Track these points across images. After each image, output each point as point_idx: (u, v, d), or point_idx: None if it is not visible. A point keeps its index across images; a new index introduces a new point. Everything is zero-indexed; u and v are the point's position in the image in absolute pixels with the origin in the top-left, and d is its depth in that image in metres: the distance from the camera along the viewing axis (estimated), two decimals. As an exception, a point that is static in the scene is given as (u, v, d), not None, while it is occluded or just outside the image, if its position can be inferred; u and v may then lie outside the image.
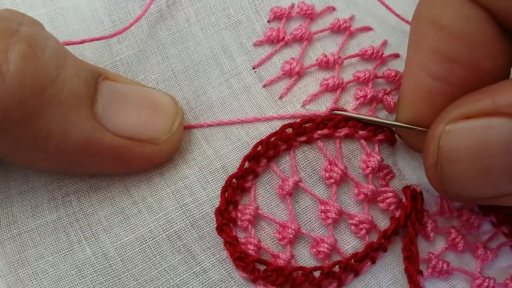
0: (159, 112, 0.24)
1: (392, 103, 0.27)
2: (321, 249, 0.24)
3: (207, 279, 0.24)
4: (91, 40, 0.26)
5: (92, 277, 0.23)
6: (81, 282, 0.23)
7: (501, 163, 0.21)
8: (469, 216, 0.26)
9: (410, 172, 0.27)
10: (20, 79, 0.20)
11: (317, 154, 0.26)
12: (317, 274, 0.24)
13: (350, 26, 0.29)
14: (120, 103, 0.23)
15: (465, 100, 0.22)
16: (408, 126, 0.25)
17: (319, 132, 0.26)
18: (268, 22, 0.29)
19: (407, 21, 0.30)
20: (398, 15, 0.30)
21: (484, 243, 0.26)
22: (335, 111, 0.26)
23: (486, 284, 0.25)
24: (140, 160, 0.24)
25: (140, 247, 0.24)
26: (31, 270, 0.23)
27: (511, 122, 0.20)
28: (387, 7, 0.30)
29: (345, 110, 0.26)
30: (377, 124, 0.26)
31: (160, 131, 0.24)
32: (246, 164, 0.25)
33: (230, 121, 0.26)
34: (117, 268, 0.24)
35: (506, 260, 0.26)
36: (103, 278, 0.24)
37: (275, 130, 0.26)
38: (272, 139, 0.25)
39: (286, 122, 0.26)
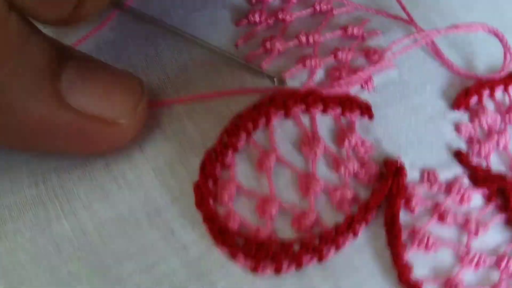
0: (125, 92, 0.24)
1: (369, 82, 0.27)
2: (303, 222, 0.24)
3: (187, 255, 0.24)
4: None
5: (70, 252, 0.23)
6: (59, 257, 0.23)
7: None
8: (458, 188, 0.25)
9: (391, 146, 0.26)
10: None
11: (296, 128, 0.26)
12: (297, 247, 0.23)
13: (331, 7, 0.30)
14: (85, 80, 0.23)
15: None
16: None
17: (297, 106, 0.26)
18: (251, 5, 0.30)
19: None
20: None
21: (474, 217, 0.25)
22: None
23: (475, 259, 0.24)
24: (102, 141, 0.24)
25: (119, 224, 0.24)
26: (9, 245, 0.23)
27: None
28: None
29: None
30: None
31: (125, 112, 0.24)
32: (225, 138, 0.25)
33: (208, 93, 0.26)
34: (95, 244, 0.24)
35: (497, 236, 0.26)
36: (81, 253, 0.23)
37: (254, 103, 0.26)
38: (251, 112, 0.25)
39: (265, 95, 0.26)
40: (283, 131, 0.26)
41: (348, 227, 0.24)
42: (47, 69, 0.21)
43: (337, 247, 0.24)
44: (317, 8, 0.29)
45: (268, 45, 0.28)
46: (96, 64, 0.24)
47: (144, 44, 0.28)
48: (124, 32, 0.29)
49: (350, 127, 0.26)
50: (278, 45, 0.28)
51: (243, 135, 0.25)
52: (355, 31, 0.28)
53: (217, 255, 0.24)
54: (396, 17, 0.30)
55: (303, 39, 0.28)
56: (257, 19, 0.29)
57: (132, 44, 0.28)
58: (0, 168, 0.25)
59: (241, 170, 0.25)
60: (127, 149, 0.25)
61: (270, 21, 0.29)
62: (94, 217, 0.24)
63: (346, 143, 0.25)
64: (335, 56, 0.28)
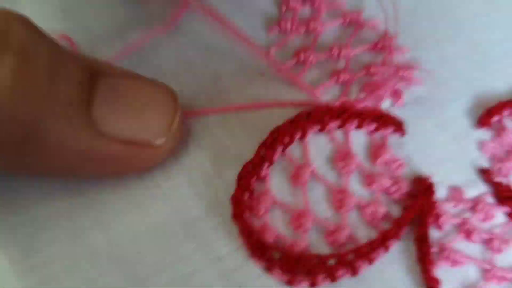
0: (158, 111, 0.23)
1: (400, 98, 0.28)
2: (337, 237, 0.24)
3: (222, 267, 0.24)
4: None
5: (105, 264, 0.23)
6: (94, 269, 0.23)
7: None
8: (483, 206, 0.26)
9: (421, 163, 0.27)
10: (15, 95, 0.18)
11: (330, 144, 0.26)
12: (332, 262, 0.24)
13: (360, 20, 0.30)
14: (117, 103, 0.22)
15: None
16: None
17: (332, 121, 0.26)
18: (282, 13, 0.29)
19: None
20: None
21: (498, 234, 0.26)
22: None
23: (499, 274, 0.25)
24: (138, 163, 0.23)
25: (154, 235, 0.24)
26: (44, 256, 0.23)
27: None
28: None
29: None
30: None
31: (159, 133, 0.23)
32: (262, 152, 0.25)
33: (243, 105, 0.26)
34: (130, 255, 0.23)
35: None
36: (116, 265, 0.23)
37: (290, 117, 0.26)
38: (288, 126, 0.25)
39: (300, 109, 0.26)
40: (317, 146, 0.26)
41: (381, 243, 0.24)
42: (78, 100, 0.21)
43: (370, 262, 0.24)
44: (347, 19, 0.29)
45: (301, 56, 0.28)
46: (127, 82, 0.23)
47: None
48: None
49: (383, 144, 0.26)
50: (312, 58, 0.27)
51: (280, 148, 0.25)
52: (384, 46, 0.29)
53: (252, 268, 0.24)
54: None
55: (336, 52, 0.28)
56: (288, 27, 0.29)
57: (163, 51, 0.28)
58: (34, 179, 0.24)
59: (275, 183, 0.25)
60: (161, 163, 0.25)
61: (301, 30, 0.29)
62: (129, 228, 0.24)
63: (379, 159, 0.26)
64: (367, 72, 0.28)
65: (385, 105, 0.28)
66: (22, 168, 0.22)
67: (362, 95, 0.27)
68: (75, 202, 0.24)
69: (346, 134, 0.26)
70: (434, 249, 0.25)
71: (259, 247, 0.23)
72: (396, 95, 0.28)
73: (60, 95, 0.20)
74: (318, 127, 0.26)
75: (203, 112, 0.26)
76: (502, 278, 0.25)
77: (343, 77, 0.27)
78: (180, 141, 0.25)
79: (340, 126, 0.26)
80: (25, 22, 0.19)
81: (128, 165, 0.23)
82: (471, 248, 0.26)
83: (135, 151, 0.22)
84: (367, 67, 0.28)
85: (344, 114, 0.26)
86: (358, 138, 0.27)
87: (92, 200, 0.24)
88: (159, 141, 0.23)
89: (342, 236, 0.24)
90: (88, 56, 0.23)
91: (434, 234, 0.26)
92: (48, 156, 0.21)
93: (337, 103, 0.26)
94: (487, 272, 0.25)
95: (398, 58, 0.29)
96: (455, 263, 0.25)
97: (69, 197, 0.24)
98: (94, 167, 0.23)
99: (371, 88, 0.27)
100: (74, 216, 0.24)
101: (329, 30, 0.29)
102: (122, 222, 0.24)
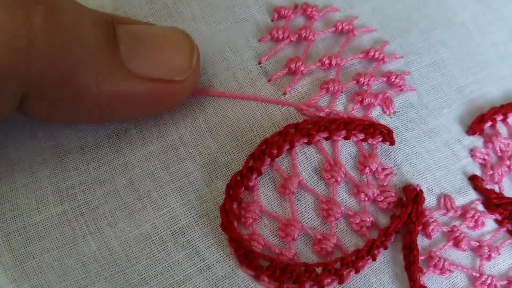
0: (178, 49, 0.25)
1: (390, 107, 0.28)
2: (323, 246, 0.25)
3: (211, 275, 0.24)
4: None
5: (97, 271, 0.24)
6: (86, 276, 0.24)
7: None
8: (473, 214, 0.26)
9: (410, 171, 0.27)
10: (48, 42, 0.20)
11: (318, 154, 0.26)
12: (319, 270, 0.24)
13: (352, 28, 0.30)
14: (139, 45, 0.24)
15: None
16: None
17: (320, 134, 0.26)
18: (272, 21, 0.30)
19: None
20: None
21: (487, 242, 0.26)
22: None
23: (488, 282, 0.25)
24: (167, 99, 0.25)
25: (145, 243, 0.24)
26: (36, 264, 0.23)
27: None
28: None
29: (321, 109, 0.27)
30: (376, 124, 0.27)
31: (183, 69, 0.25)
32: (251, 163, 0.25)
33: (235, 94, 0.27)
34: (121, 263, 0.24)
35: (509, 258, 0.27)
36: (107, 273, 0.24)
37: (279, 128, 0.26)
38: (276, 138, 0.26)
39: (290, 121, 0.26)
40: (305, 157, 0.26)
41: (367, 252, 0.25)
42: (105, 43, 0.22)
43: (357, 271, 0.25)
44: (339, 27, 0.29)
45: (292, 66, 0.28)
46: (143, 27, 0.25)
47: None
48: None
49: (371, 153, 0.27)
50: (302, 68, 0.28)
51: (267, 160, 0.25)
52: (376, 54, 0.29)
53: (241, 276, 0.24)
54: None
55: (326, 62, 0.28)
56: (280, 36, 0.29)
57: None
58: (25, 185, 0.25)
59: (264, 193, 0.26)
60: (151, 168, 0.25)
61: (293, 39, 0.29)
62: (120, 235, 0.24)
63: (367, 169, 0.26)
64: (357, 81, 0.28)
65: (375, 113, 0.28)
66: (64, 116, 0.24)
67: (351, 106, 0.27)
68: (67, 210, 0.24)
69: (334, 145, 0.27)
70: (422, 257, 0.25)
71: (247, 256, 0.24)
72: (386, 103, 0.28)
73: (89, 40, 0.22)
74: (306, 139, 0.26)
75: (199, 92, 0.27)
76: (491, 286, 0.25)
77: (333, 87, 0.27)
78: (171, 150, 0.26)
79: (328, 138, 0.26)
80: None
81: (158, 102, 0.25)
82: (460, 256, 0.26)
83: (163, 87, 0.24)
84: (357, 77, 0.28)
85: (331, 126, 0.26)
86: (346, 148, 0.27)
87: (84, 208, 0.25)
88: (183, 77, 0.24)
89: (329, 245, 0.25)
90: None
91: (422, 242, 0.26)
92: (87, 101, 0.22)
93: (325, 115, 0.27)
94: (476, 280, 0.26)
95: (391, 65, 0.29)
96: (443, 271, 0.25)
97: (61, 203, 0.24)
98: (129, 107, 0.24)
99: (360, 98, 0.27)
100: (66, 223, 0.24)
101: (321, 38, 0.29)
102: (113, 229, 0.24)
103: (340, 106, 0.27)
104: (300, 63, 0.28)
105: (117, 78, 0.23)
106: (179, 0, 0.29)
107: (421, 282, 0.25)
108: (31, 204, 0.24)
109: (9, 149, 0.25)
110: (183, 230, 0.25)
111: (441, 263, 0.25)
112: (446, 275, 0.25)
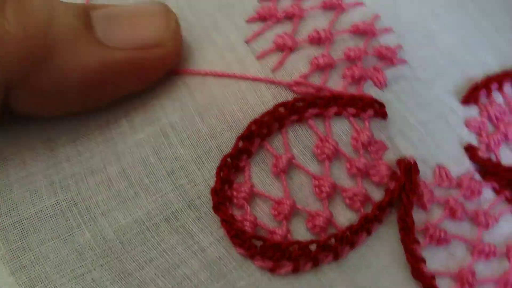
0: (152, 17, 0.26)
1: (382, 80, 0.27)
2: (317, 222, 0.24)
3: (205, 257, 0.24)
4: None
5: (93, 260, 0.24)
6: (82, 265, 0.24)
7: None
8: (469, 183, 0.26)
9: (404, 144, 0.27)
10: (21, 29, 0.22)
11: (308, 132, 0.26)
12: (313, 247, 0.24)
13: (341, 2, 0.29)
14: (115, 23, 0.25)
15: None
16: None
17: (309, 110, 0.26)
18: (259, 2, 0.29)
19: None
20: None
21: (484, 210, 0.26)
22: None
23: (486, 250, 0.25)
24: (155, 66, 0.26)
25: (139, 229, 0.24)
26: (33, 256, 0.24)
27: None
28: None
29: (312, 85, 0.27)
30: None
31: (160, 33, 0.25)
32: (240, 144, 0.25)
33: (219, 72, 0.27)
34: (116, 250, 0.24)
35: (507, 227, 0.26)
36: (103, 260, 0.24)
37: (269, 106, 0.26)
38: (265, 118, 0.25)
39: (280, 99, 0.26)
40: (296, 135, 0.26)
41: (362, 227, 0.24)
42: (79, 24, 0.24)
43: (352, 246, 0.24)
44: (328, 2, 0.29)
45: (280, 42, 0.27)
46: (118, 7, 0.26)
47: None
48: None
49: (364, 128, 0.26)
50: (290, 43, 0.27)
51: (257, 140, 0.25)
52: (367, 28, 0.28)
53: (235, 256, 0.24)
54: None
55: (315, 36, 0.28)
56: (267, 14, 0.28)
57: None
58: (18, 179, 0.25)
59: (255, 173, 0.25)
60: (142, 155, 0.25)
61: (281, 16, 0.28)
62: (114, 223, 0.25)
63: (359, 144, 0.26)
64: (348, 56, 0.27)
65: (366, 87, 0.27)
66: (53, 105, 0.25)
67: (342, 81, 0.27)
68: (60, 201, 0.25)
69: (325, 121, 0.26)
70: (418, 229, 0.25)
71: (240, 237, 0.24)
72: (378, 76, 0.27)
73: (63, 23, 0.23)
74: (296, 117, 0.26)
75: (185, 71, 0.27)
76: (489, 254, 0.25)
77: (323, 62, 0.27)
78: (160, 136, 0.26)
79: (318, 114, 0.26)
80: None
81: (146, 72, 0.25)
82: (457, 225, 0.26)
83: (146, 54, 0.25)
84: (347, 52, 0.27)
85: (321, 102, 0.26)
86: (338, 124, 0.26)
87: (77, 198, 0.25)
88: (163, 41, 0.25)
89: (322, 221, 0.25)
90: None
91: (418, 214, 0.25)
92: (72, 80, 0.23)
93: (315, 92, 0.26)
94: (474, 249, 0.25)
95: (382, 38, 0.29)
96: (440, 241, 0.25)
97: (54, 195, 0.25)
98: (116, 81, 0.25)
99: (351, 72, 0.27)
100: (61, 214, 0.25)
101: (309, 15, 0.29)
102: (106, 218, 0.25)
103: (331, 82, 0.27)
104: (288, 39, 0.27)
105: (96, 54, 0.24)
106: None
107: (419, 254, 0.25)
108: (25, 197, 0.25)
109: (1, 144, 0.26)
110: (176, 215, 0.25)
111: (438, 234, 0.25)
112: (444, 246, 0.25)
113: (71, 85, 0.24)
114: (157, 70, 0.26)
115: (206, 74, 0.27)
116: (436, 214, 0.26)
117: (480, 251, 0.25)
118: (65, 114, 0.26)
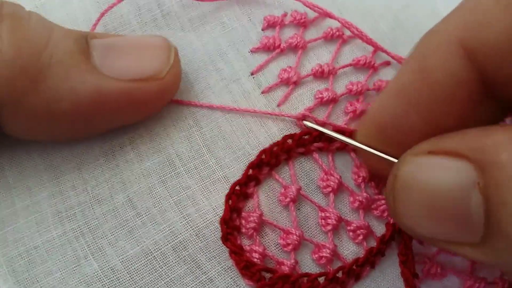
0: (153, 49, 0.26)
1: None
2: (323, 254, 0.25)
3: (213, 288, 0.25)
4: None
5: (101, 291, 0.24)
6: (90, 297, 0.24)
7: (448, 206, 0.20)
8: None
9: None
10: (14, 49, 0.22)
11: (313, 165, 0.27)
12: (321, 280, 0.25)
13: (342, 34, 0.30)
14: (114, 52, 0.25)
15: (435, 138, 0.21)
16: (374, 151, 0.24)
17: (315, 144, 0.27)
18: (262, 30, 0.30)
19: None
20: None
21: None
22: (306, 123, 0.27)
23: (477, 285, 0.26)
24: (150, 99, 0.25)
25: (146, 259, 0.24)
26: (40, 287, 0.23)
27: (466, 165, 0.19)
28: None
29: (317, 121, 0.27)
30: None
31: (159, 65, 0.25)
32: (250, 171, 0.26)
33: (226, 106, 0.27)
34: (124, 281, 0.24)
35: None
36: (111, 291, 0.24)
37: (275, 140, 0.26)
38: (275, 148, 0.26)
39: (286, 133, 0.27)
40: (302, 167, 0.27)
41: (367, 260, 0.25)
42: (77, 50, 0.24)
43: (357, 279, 0.25)
44: (329, 34, 0.30)
45: (285, 77, 0.28)
46: (119, 37, 0.26)
47: None
48: None
49: (363, 163, 0.27)
50: (295, 78, 0.28)
51: (266, 169, 0.26)
52: (368, 61, 0.29)
53: (244, 287, 0.25)
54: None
55: (319, 71, 0.28)
56: (271, 45, 0.29)
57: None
58: (24, 207, 0.25)
59: (263, 202, 0.26)
60: (149, 184, 0.26)
61: (284, 47, 0.29)
62: (121, 253, 0.24)
63: (360, 178, 0.27)
64: (349, 90, 0.28)
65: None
66: (46, 128, 0.24)
67: (344, 116, 0.28)
68: (67, 232, 0.24)
69: (328, 155, 0.27)
70: (416, 263, 0.26)
71: (249, 268, 0.24)
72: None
73: (59, 46, 0.23)
74: (303, 149, 0.26)
75: (190, 103, 0.27)
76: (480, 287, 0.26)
77: (327, 97, 0.28)
78: (168, 165, 0.26)
79: (323, 148, 0.27)
80: (14, 4, 0.23)
81: (140, 103, 0.25)
82: (451, 259, 0.27)
83: (142, 86, 0.25)
84: (350, 86, 0.28)
85: (325, 136, 0.26)
86: (342, 158, 0.27)
87: (84, 228, 0.25)
88: (161, 73, 0.25)
89: (328, 253, 0.25)
90: None
91: (416, 248, 0.26)
92: (63, 105, 0.23)
93: (320, 125, 0.27)
94: (466, 282, 0.26)
95: (382, 72, 0.30)
96: (437, 276, 0.26)
97: (61, 225, 0.25)
98: (109, 111, 0.24)
99: (353, 108, 0.28)
100: (68, 245, 0.24)
101: (312, 46, 0.30)
102: (114, 248, 0.24)
103: (334, 116, 0.28)
104: (293, 74, 0.28)
105: (90, 80, 0.23)
106: (168, 13, 0.29)
107: (417, 286, 0.26)
108: (31, 227, 0.24)
109: (6, 171, 0.25)
110: (184, 244, 0.25)
111: (435, 268, 0.26)
112: (440, 279, 0.26)
113: (62, 108, 0.23)
114: (153, 103, 0.26)
115: (213, 108, 0.27)
116: (432, 248, 0.27)
117: (470, 285, 0.26)
118: (57, 140, 0.26)
